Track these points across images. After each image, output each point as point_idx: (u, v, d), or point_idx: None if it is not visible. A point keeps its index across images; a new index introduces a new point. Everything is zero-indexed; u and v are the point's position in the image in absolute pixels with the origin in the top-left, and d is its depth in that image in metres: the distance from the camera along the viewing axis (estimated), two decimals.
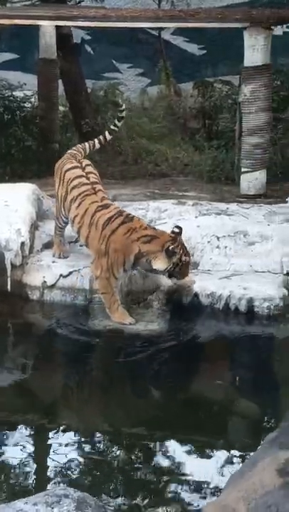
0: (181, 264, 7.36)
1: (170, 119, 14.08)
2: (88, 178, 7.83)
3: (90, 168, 7.99)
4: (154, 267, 7.37)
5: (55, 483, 4.71)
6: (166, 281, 7.69)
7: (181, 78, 15.48)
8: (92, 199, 7.69)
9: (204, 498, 4.47)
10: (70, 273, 7.81)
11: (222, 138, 12.40)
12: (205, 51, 16.22)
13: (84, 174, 7.87)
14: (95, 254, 7.53)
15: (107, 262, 7.35)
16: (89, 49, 16.05)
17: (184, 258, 7.37)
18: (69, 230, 7.98)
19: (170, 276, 7.48)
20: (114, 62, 16.17)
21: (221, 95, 13.80)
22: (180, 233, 7.39)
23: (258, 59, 9.21)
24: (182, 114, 14.16)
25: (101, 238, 7.43)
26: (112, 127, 8.53)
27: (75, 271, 7.81)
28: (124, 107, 8.58)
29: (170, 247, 7.25)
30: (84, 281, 7.76)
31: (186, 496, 4.63)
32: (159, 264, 7.31)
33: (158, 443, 5.33)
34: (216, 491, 4.46)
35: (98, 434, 5.50)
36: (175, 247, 7.27)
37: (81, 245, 8.02)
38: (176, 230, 7.38)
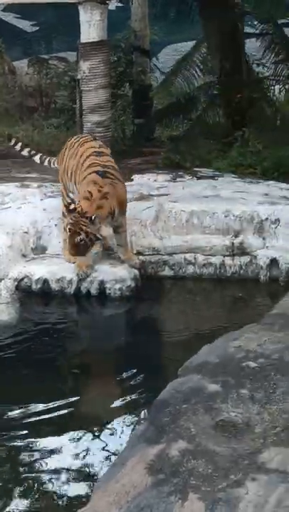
0: None
1: (6, 98, 13.67)
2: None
3: None
4: None
5: None
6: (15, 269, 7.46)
7: (14, 56, 15.09)
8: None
9: (74, 506, 4.23)
10: None
11: (61, 116, 12.17)
12: (38, 27, 15.89)
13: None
14: None
15: None
16: None
17: None
18: None
19: None
20: None
21: (57, 72, 13.56)
22: None
23: (95, 34, 8.98)
24: (18, 93, 13.78)
25: None
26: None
27: None
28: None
29: None
30: None
31: (51, 505, 4.40)
32: None
33: (19, 442, 5.05)
34: (86, 496, 4.25)
35: None
36: None
37: None
38: None
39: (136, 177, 9.21)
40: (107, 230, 7.49)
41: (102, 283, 7.39)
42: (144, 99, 11.66)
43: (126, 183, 8.61)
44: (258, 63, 11.59)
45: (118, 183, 7.53)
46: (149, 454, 3.47)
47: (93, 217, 7.04)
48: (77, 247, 7.16)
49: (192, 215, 7.99)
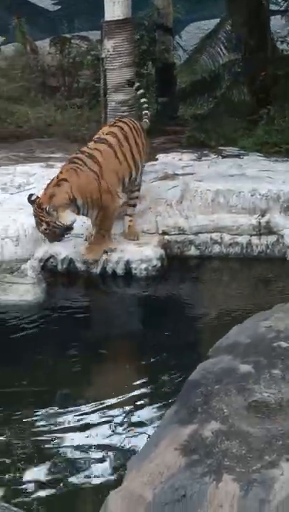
0: None
1: (28, 78, 13.60)
2: None
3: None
4: None
5: None
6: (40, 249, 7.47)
7: (36, 35, 14.97)
8: None
9: (107, 487, 4.21)
10: None
11: (84, 95, 12.10)
12: (60, 6, 15.77)
13: None
14: None
15: None
16: None
17: None
18: None
19: None
20: None
21: (79, 51, 13.46)
22: None
23: (120, 12, 8.89)
24: (40, 73, 13.71)
25: None
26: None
27: None
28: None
29: None
30: None
31: (86, 486, 4.38)
32: None
33: (47, 421, 5.05)
34: (119, 476, 4.23)
35: None
36: None
37: None
38: None
39: (160, 156, 9.15)
40: (69, 218, 7.15)
41: (128, 263, 7.37)
42: (168, 78, 11.54)
43: (150, 163, 8.58)
44: (283, 40, 11.46)
45: (84, 172, 7.18)
46: (182, 434, 3.45)
47: (47, 208, 6.99)
48: (47, 235, 7.23)
49: (218, 194, 7.93)
